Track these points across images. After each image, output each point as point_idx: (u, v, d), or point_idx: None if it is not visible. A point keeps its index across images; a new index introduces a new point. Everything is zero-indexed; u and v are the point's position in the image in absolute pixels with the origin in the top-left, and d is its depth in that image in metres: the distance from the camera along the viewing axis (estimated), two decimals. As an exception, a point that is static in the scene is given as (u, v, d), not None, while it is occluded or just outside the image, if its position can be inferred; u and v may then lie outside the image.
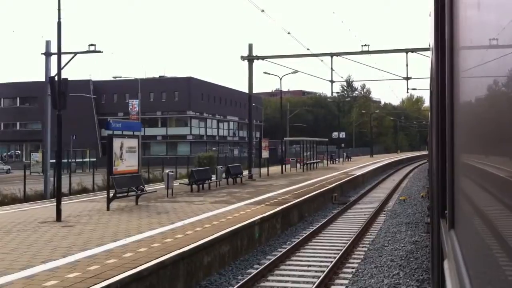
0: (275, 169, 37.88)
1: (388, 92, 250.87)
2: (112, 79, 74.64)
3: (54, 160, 18.07)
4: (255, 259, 12.76)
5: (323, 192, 23.56)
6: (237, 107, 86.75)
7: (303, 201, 19.49)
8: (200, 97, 73.52)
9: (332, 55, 27.37)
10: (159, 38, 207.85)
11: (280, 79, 35.52)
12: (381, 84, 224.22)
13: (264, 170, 33.07)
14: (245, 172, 28.86)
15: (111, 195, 15.62)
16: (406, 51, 26.33)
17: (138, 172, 17.22)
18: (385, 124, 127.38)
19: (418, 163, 70.34)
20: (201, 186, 22.51)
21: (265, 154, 31.35)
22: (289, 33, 25.47)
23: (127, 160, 16.20)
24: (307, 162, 39.31)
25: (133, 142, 16.95)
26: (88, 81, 72.59)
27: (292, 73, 34.68)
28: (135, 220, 13.69)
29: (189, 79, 71.76)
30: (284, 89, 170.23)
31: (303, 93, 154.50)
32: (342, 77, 27.50)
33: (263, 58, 28.65)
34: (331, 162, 51.30)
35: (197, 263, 10.38)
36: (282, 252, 13.01)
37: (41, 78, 28.30)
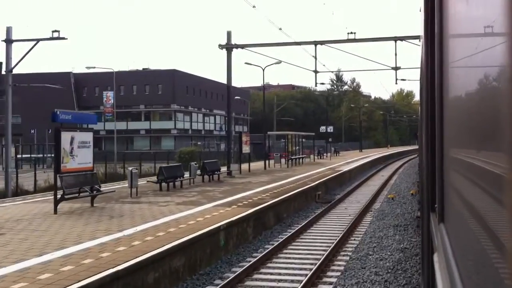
0: (258, 164, 36.07)
1: (378, 86, 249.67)
2: (93, 71, 72.47)
3: (27, 156, 16.49)
4: (217, 272, 10.95)
5: (305, 190, 21.78)
6: (224, 101, 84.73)
7: (281, 201, 17.68)
8: (185, 90, 71.42)
9: (316, 43, 25.49)
10: (145, 31, 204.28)
11: (263, 70, 33.73)
12: (371, 78, 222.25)
13: (245, 166, 31.23)
14: (225, 169, 27.02)
15: (58, 196, 13.69)
16: (395, 39, 24.53)
17: (93, 170, 15.25)
18: (375, 118, 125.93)
19: (408, 158, 68.83)
20: (172, 184, 20.66)
21: (246, 149, 29.50)
22: (272, 23, 23.56)
23: (79, 157, 14.24)
24: (292, 157, 37.51)
25: (87, 136, 14.98)
26: (68, 73, 70.25)
27: (275, 63, 32.80)
28: (80, 226, 11.80)
29: (173, 72, 69.58)
30: (274, 83, 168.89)
31: (292, 87, 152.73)
32: (325, 66, 25.67)
33: (242, 46, 26.74)
34: (319, 157, 49.55)
35: (138, 282, 8.53)
36: (250, 263, 11.21)
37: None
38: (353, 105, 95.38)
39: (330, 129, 53.98)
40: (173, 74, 69.12)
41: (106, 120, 46.39)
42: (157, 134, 69.80)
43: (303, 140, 72.39)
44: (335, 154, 57.89)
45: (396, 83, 28.32)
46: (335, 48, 25.86)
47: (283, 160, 37.00)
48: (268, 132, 40.85)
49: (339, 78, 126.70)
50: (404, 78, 28.09)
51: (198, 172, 23.57)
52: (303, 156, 41.00)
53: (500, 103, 0.96)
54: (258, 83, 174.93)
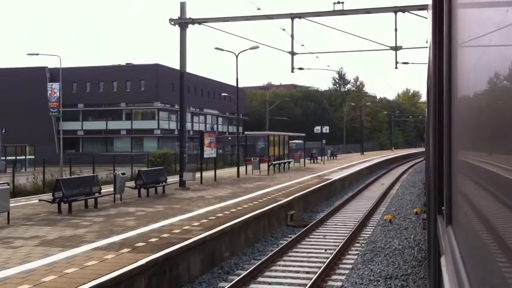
0: (233, 171, 30.21)
1: (384, 87, 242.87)
2: (72, 66, 66.90)
3: None
4: None
5: (272, 209, 15.96)
6: (217, 100, 79.05)
7: (221, 233, 11.85)
8: (170, 87, 65.57)
9: (292, 16, 19.59)
10: (127, 25, 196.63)
11: (236, 56, 27.87)
12: (376, 78, 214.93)
13: (209, 174, 25.42)
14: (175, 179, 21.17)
15: None
16: (395, 10, 18.59)
17: None
18: (379, 119, 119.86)
19: (414, 162, 62.76)
20: (84, 202, 14.88)
21: (210, 152, 23.68)
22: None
23: None
24: (275, 162, 31.61)
25: None
26: (43, 68, 64.61)
27: (251, 48, 26.95)
28: None
29: (156, 67, 63.73)
30: (276, 82, 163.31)
31: (295, 86, 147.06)
32: (304, 47, 20.12)
33: (200, 22, 20.87)
34: (312, 161, 43.63)
35: None
36: None
37: None
38: (353, 103, 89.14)
39: (326, 129, 47.92)
40: (157, 69, 63.30)
41: (53, 116, 40.32)
42: (139, 135, 64.03)
43: (297, 141, 66.29)
44: (331, 158, 51.91)
45: (396, 67, 22.25)
46: (317, 23, 19.91)
47: (265, 166, 31.10)
48: (246, 132, 34.94)
49: (341, 77, 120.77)
50: (406, 61, 21.94)
51: (132, 184, 17.78)
52: (289, 160, 35.07)
53: (508, 106, 0.97)
54: (259, 82, 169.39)
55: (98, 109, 65.60)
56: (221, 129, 79.95)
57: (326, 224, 17.61)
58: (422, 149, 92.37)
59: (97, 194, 15.22)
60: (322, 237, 15.38)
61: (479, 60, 1.34)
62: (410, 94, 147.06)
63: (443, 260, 2.27)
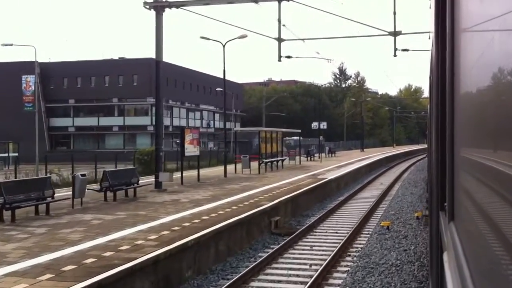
0: (222, 170, 28.22)
1: (387, 83, 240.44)
2: (63, 61, 64.95)
3: None
4: None
5: (253, 215, 13.99)
6: (213, 95, 76.95)
7: (182, 248, 9.85)
8: (164, 82, 63.55)
9: (280, -1, 17.55)
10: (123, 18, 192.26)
11: (223, 46, 25.81)
12: (377, 73, 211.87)
13: (191, 174, 23.46)
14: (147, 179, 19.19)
15: None
16: (394, -10, 16.53)
17: None
18: (381, 115, 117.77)
19: (416, 159, 60.69)
20: (34, 208, 12.91)
21: (192, 150, 21.68)
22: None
23: None
24: (267, 160, 29.58)
25: None
26: (32, 62, 62.52)
27: (239, 38, 24.91)
28: None
29: (150, 61, 61.27)
30: (277, 79, 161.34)
31: (295, 82, 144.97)
32: (293, 33, 18.35)
33: (177, 5, 18.82)
34: (308, 158, 41.55)
35: None
36: None
37: None
38: (354, 99, 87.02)
39: (323, 125, 45.75)
40: (150, 64, 60.94)
41: (27, 111, 38.26)
42: (132, 131, 62.04)
43: (296, 138, 64.09)
44: (329, 155, 49.82)
45: (395, 55, 20.27)
46: (307, 5, 17.88)
47: (256, 164, 29.06)
48: (234, 128, 32.90)
49: (342, 72, 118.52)
50: (406, 48, 19.91)
51: (96, 187, 15.81)
52: (283, 158, 33.01)
53: (511, 101, 0.97)
54: (260, 78, 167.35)
55: (89, 105, 63.69)
56: (217, 125, 77.96)
57: (315, 231, 15.61)
58: (425, 146, 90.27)
59: (49, 199, 13.21)
60: (308, 248, 13.38)
61: (483, 55, 1.32)
62: (412, 90, 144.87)
63: (445, 256, 2.30)
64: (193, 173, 26.36)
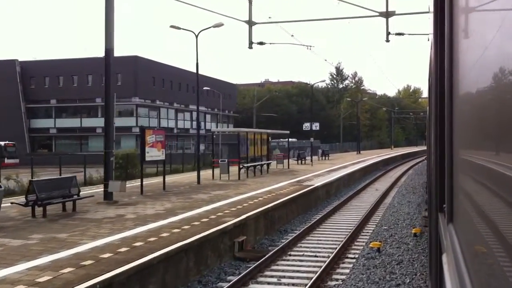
0: (203, 175, 25.27)
1: (385, 84, 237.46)
2: (44, 59, 61.94)
3: None
4: None
5: (207, 238, 11.08)
6: (205, 95, 73.97)
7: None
8: (150, 81, 60.67)
9: (250, -27, 14.60)
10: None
11: (196, 36, 22.89)
12: (377, 76, 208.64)
13: (155, 182, 20.54)
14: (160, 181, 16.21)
15: None
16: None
17: None
18: (379, 116, 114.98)
19: (415, 162, 57.83)
20: None
21: (155, 154, 18.76)
22: None
23: None
24: (248, 164, 26.64)
25: None
26: (13, 61, 59.64)
27: (213, 27, 21.99)
28: None
29: (135, 59, 58.65)
30: (274, 79, 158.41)
31: (293, 84, 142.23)
32: (269, 17, 15.77)
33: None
34: (299, 162, 38.61)
35: None
36: None
37: None
38: (349, 99, 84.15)
39: (316, 126, 42.70)
40: (135, 62, 58.26)
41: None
42: (116, 133, 58.92)
43: (291, 140, 61.13)
44: (322, 158, 46.86)
45: (388, 40, 17.30)
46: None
47: (244, 170, 26.08)
48: (213, 129, 29.96)
49: (339, 72, 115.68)
50: (401, 32, 16.90)
51: (22, 200, 12.88)
52: (268, 162, 30.05)
53: (510, 103, 0.97)
54: (258, 79, 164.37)
55: (72, 105, 60.72)
56: (209, 127, 75.00)
57: (289, 254, 12.70)
58: (423, 148, 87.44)
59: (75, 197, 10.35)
60: (276, 280, 10.47)
61: (482, 57, 1.32)
62: (411, 90, 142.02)
63: (444, 258, 2.29)
64: (169, 178, 23.45)
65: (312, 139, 45.09)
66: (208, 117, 77.04)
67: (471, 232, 1.60)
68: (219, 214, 13.81)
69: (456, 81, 2.10)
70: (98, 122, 60.48)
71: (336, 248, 12.94)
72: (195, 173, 27.57)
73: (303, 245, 13.80)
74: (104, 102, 16.89)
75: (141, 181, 18.71)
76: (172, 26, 22.85)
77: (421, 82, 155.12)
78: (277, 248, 12.89)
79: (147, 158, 18.31)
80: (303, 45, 23.26)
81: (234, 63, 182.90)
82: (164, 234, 10.90)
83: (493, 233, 1.18)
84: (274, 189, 20.57)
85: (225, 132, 29.52)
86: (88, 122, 59.81)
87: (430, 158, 5.88)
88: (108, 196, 15.67)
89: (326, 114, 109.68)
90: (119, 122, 59.74)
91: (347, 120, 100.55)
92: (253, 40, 15.96)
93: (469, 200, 1.67)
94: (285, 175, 28.49)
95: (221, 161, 24.91)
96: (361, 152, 68.91)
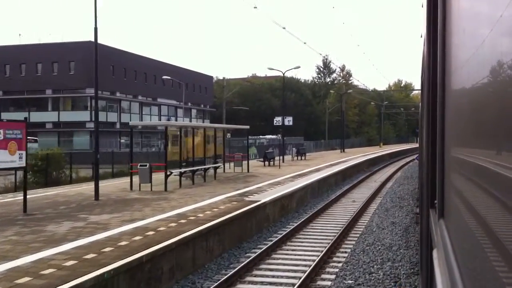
0: (112, 185, 18.72)
1: (377, 79, 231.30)
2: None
3: None
4: None
5: None
6: (176, 88, 67.38)
7: None
8: (109, 71, 53.86)
9: None
10: None
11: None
12: (368, 70, 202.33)
13: (73, 190, 14.08)
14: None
15: None
16: None
17: None
18: (368, 112, 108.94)
19: (404, 161, 51.62)
20: None
21: (5, 159, 12.27)
22: None
23: None
24: (180, 170, 20.07)
25: None
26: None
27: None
28: None
29: (90, 44, 51.83)
30: (262, 74, 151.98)
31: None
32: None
33: None
34: (265, 163, 32.10)
35: None
36: None
37: None
38: (332, 91, 77.89)
39: (289, 120, 35.99)
40: (90, 48, 51.37)
41: None
42: (68, 129, 52.24)
43: (271, 136, 54.50)
44: (298, 157, 40.39)
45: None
46: None
47: (167, 177, 19.57)
48: (130, 123, 23.33)
49: (326, 65, 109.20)
50: None
51: None
52: (216, 165, 23.49)
53: (501, 102, 0.99)
54: (245, 74, 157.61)
55: (19, 97, 53.84)
56: (181, 121, 68.36)
57: None
58: (415, 145, 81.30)
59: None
60: None
61: (474, 54, 1.32)
62: (402, 85, 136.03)
63: (435, 253, 2.28)
64: (79, 188, 16.79)
65: (278, 136, 38.56)
66: (180, 111, 70.42)
67: (462, 228, 1.60)
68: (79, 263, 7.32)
69: (448, 78, 2.13)
70: (48, 116, 53.86)
71: None
72: (127, 179, 20.84)
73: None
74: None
75: None
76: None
77: (413, 76, 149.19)
78: None
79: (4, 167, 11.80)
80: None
81: (221, 57, 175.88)
82: None
83: (484, 229, 1.19)
84: (199, 209, 14.14)
85: (150, 126, 22.70)
86: (37, 116, 52.90)
87: (422, 154, 5.70)
88: None
89: (312, 110, 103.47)
90: (71, 116, 53.14)
91: (334, 116, 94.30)
92: None
93: (460, 196, 1.67)
94: (235, 182, 22.01)
95: (140, 165, 18.38)
96: (347, 150, 62.68)
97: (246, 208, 14.52)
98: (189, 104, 73.19)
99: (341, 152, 57.06)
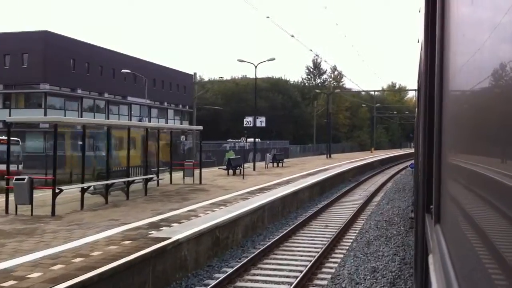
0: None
1: (373, 81, 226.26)
2: None
3: None
4: None
5: None
6: (150, 86, 61.78)
7: None
8: (69, 64, 48.29)
9: None
10: None
11: None
12: (361, 70, 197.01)
13: None
14: None
15: None
16: None
17: None
18: (360, 115, 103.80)
19: (397, 168, 46.33)
20: None
21: None
22: None
23: None
24: (90, 184, 14.61)
25: None
26: None
27: None
28: None
29: (45, 35, 46.24)
30: (252, 76, 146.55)
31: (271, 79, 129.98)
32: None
33: None
34: (229, 172, 26.59)
35: None
36: None
37: None
38: (318, 90, 72.61)
39: (261, 122, 30.63)
40: (45, 39, 45.86)
41: None
42: (20, 129, 46.49)
43: (257, 140, 49.09)
44: (274, 164, 34.87)
45: None
46: None
47: (56, 196, 14.11)
48: (7, 118, 17.68)
49: (316, 66, 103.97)
50: None
51: None
52: (148, 177, 17.96)
53: (498, 107, 0.99)
54: (234, 74, 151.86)
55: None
56: (156, 122, 62.82)
57: None
58: (408, 151, 75.93)
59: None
60: None
61: (472, 59, 1.33)
62: (396, 88, 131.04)
63: (430, 259, 2.28)
64: None
65: (244, 139, 33.07)
66: (154, 111, 64.79)
67: (458, 233, 1.61)
68: None
69: (446, 83, 2.12)
70: (-2, 114, 48.00)
71: None
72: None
73: None
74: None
75: None
76: None
77: (407, 80, 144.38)
78: None
79: None
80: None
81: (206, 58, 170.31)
82: None
83: (479, 234, 1.19)
84: (60, 255, 8.67)
85: (71, 125, 17.19)
86: (-15, 114, 47.19)
87: (418, 160, 5.87)
88: None
89: (301, 112, 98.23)
90: (24, 114, 47.33)
91: (324, 119, 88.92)
92: None
93: (456, 201, 1.68)
94: (168, 201, 16.47)
95: (16, 180, 12.87)
96: (335, 155, 57.37)
97: (138, 254, 9.08)
98: (165, 104, 67.64)
99: (327, 158, 51.64)
